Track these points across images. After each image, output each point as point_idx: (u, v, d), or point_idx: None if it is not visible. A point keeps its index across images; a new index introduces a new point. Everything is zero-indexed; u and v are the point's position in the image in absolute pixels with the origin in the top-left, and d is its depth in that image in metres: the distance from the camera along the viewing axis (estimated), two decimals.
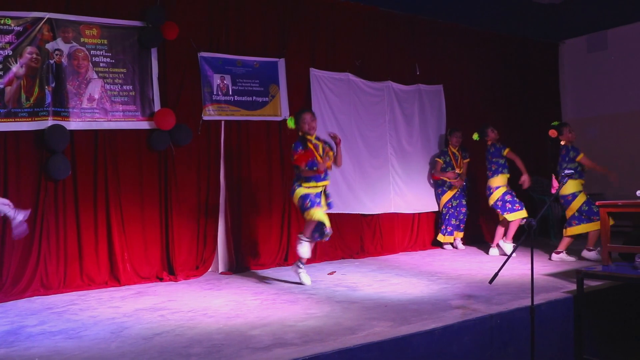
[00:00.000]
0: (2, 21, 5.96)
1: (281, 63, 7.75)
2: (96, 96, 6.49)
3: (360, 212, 8.22)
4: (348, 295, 5.54)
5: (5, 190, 5.93)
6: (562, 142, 7.52)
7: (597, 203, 6.57)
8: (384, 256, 8.30)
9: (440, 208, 8.95)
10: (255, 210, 7.45)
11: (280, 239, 7.64)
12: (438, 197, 9.02)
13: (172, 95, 6.93)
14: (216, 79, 7.25)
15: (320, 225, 5.99)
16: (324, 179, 6.10)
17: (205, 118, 7.14)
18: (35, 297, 5.88)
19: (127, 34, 6.69)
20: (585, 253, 7.31)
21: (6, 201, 4.60)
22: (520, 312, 4.71)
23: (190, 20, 7.07)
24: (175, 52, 6.97)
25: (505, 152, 8.02)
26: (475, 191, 9.24)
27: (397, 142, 8.85)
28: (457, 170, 8.82)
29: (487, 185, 8.14)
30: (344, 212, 8.04)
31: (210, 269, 7.16)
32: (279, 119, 7.68)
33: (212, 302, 5.48)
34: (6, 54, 5.96)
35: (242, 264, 7.26)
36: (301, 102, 7.86)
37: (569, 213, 7.38)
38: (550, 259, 7.43)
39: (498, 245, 8.13)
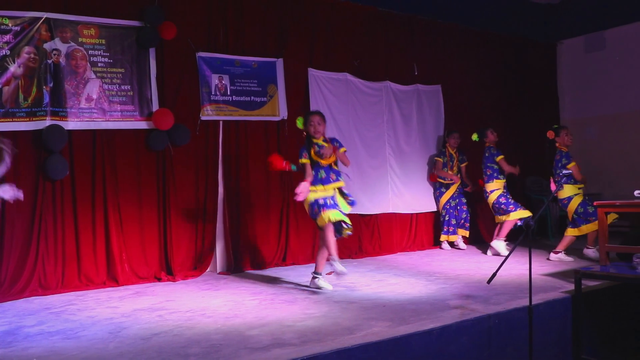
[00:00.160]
0: (0, 21, 5.95)
1: (279, 63, 7.74)
2: (94, 96, 6.48)
3: (359, 212, 8.22)
4: (346, 295, 5.54)
5: None
6: (557, 145, 7.53)
7: (595, 203, 6.58)
8: (382, 256, 8.30)
9: (440, 209, 8.95)
10: (253, 210, 7.45)
11: (278, 239, 7.64)
12: (437, 199, 9.02)
13: (170, 95, 6.93)
14: (214, 79, 7.25)
15: (336, 224, 5.71)
16: (334, 181, 5.83)
17: (203, 118, 7.13)
18: (33, 298, 5.87)
19: (125, 34, 6.68)
20: (586, 251, 7.38)
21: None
22: (518, 312, 4.71)
23: (188, 20, 7.07)
24: (174, 52, 6.97)
25: (498, 159, 8.06)
26: (474, 191, 9.23)
27: (396, 142, 8.85)
28: (451, 172, 8.82)
29: (484, 189, 8.19)
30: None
31: (208, 269, 7.15)
32: (277, 119, 7.68)
33: (210, 302, 5.47)
34: (4, 53, 5.96)
35: (241, 264, 7.26)
36: (299, 102, 7.87)
37: (568, 215, 7.43)
38: (548, 258, 7.44)
39: (491, 245, 8.15)
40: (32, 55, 6.11)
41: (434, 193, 9.09)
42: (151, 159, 6.83)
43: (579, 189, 7.37)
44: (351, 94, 8.37)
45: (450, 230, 8.83)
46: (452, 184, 8.83)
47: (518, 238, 5.12)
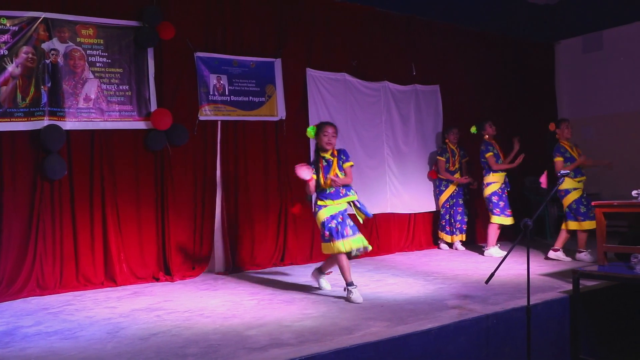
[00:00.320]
0: None
1: (278, 63, 7.74)
2: (92, 96, 6.48)
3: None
4: (344, 295, 5.53)
5: (1, 191, 5.93)
6: (557, 137, 7.54)
7: (593, 203, 6.58)
8: (380, 256, 8.30)
9: (440, 207, 8.95)
10: (251, 210, 7.44)
11: (276, 239, 7.64)
12: (436, 197, 9.02)
13: (168, 95, 6.93)
14: (212, 79, 7.25)
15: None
16: (344, 196, 5.46)
17: (201, 118, 7.13)
18: (31, 298, 5.86)
19: (124, 34, 6.68)
20: (578, 255, 7.34)
21: None
22: (516, 312, 4.72)
23: (186, 20, 7.06)
24: (172, 52, 6.96)
25: (487, 155, 8.07)
26: (472, 191, 9.22)
27: (394, 143, 8.85)
28: (453, 167, 8.80)
29: (482, 181, 8.23)
30: None
31: (206, 270, 7.14)
32: (275, 119, 7.68)
33: (208, 302, 5.47)
34: (2, 53, 5.95)
35: (239, 264, 7.26)
36: (298, 103, 7.87)
37: (563, 207, 7.48)
38: (547, 256, 7.45)
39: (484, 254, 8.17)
40: (30, 55, 6.10)
41: (434, 191, 9.08)
42: (149, 159, 6.83)
43: (579, 182, 7.37)
44: (349, 94, 8.37)
45: (447, 229, 8.82)
46: (452, 182, 8.80)
47: (516, 238, 5.13)
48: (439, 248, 8.97)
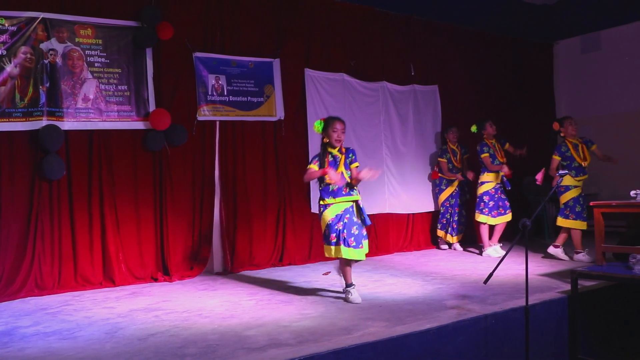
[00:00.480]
0: None
1: (276, 63, 7.74)
2: (91, 96, 6.47)
3: None
4: (343, 296, 5.53)
5: None
6: (562, 135, 7.55)
7: (591, 203, 6.59)
8: (378, 256, 8.30)
9: (439, 207, 8.92)
10: (250, 210, 7.44)
11: (275, 239, 7.64)
12: (436, 196, 9.00)
13: (166, 95, 6.92)
14: (211, 79, 7.25)
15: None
16: (346, 195, 5.33)
17: (200, 118, 7.13)
18: (29, 298, 5.86)
19: (122, 34, 6.68)
20: (575, 256, 7.34)
21: None
22: (514, 312, 4.72)
23: (185, 20, 7.06)
24: (170, 52, 6.96)
25: (482, 156, 8.13)
26: (472, 191, 9.20)
27: (392, 143, 8.85)
28: (458, 166, 8.79)
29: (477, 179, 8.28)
30: None
31: (205, 270, 7.14)
32: (274, 119, 7.68)
33: (207, 302, 5.47)
34: (0, 53, 5.94)
35: (237, 264, 7.26)
36: (296, 103, 7.87)
37: (560, 205, 7.51)
38: (547, 251, 7.44)
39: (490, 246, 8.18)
40: (29, 56, 6.10)
41: (434, 190, 9.06)
42: (148, 159, 6.83)
43: (579, 181, 7.37)
44: (348, 94, 8.37)
45: (448, 229, 8.81)
46: (453, 181, 8.78)
47: (514, 238, 5.13)
48: (438, 248, 8.96)
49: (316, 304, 5.24)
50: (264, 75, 7.65)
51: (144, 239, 6.75)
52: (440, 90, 9.49)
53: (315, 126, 5.45)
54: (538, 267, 6.85)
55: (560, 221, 7.39)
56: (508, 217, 8.13)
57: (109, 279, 6.46)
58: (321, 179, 5.37)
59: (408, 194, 8.94)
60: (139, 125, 6.75)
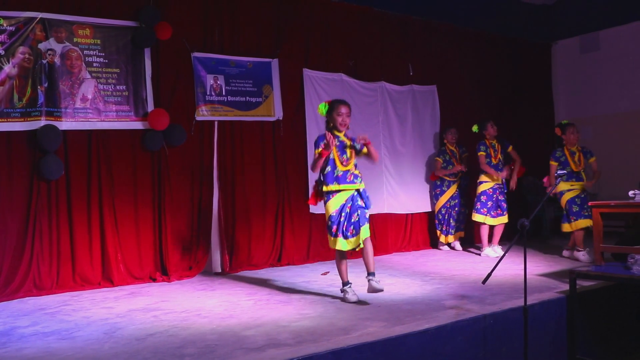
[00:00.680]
0: None
1: (275, 63, 7.74)
2: (89, 96, 6.47)
3: None
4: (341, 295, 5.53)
5: None
6: (563, 142, 7.57)
7: (589, 203, 6.61)
8: (377, 256, 8.23)
9: (439, 208, 8.87)
10: (248, 210, 7.44)
11: (273, 239, 7.64)
12: (436, 197, 8.93)
13: (165, 95, 6.92)
14: (209, 80, 7.25)
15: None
16: (351, 182, 5.27)
17: (198, 118, 7.12)
18: (27, 298, 5.85)
19: (121, 34, 6.67)
20: (575, 254, 7.37)
21: None
22: (513, 312, 4.72)
23: (183, 20, 7.06)
24: (169, 52, 6.96)
25: (478, 154, 8.13)
26: (470, 191, 9.21)
27: (391, 143, 8.85)
28: (456, 165, 8.79)
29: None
30: None
31: (203, 270, 7.14)
32: (272, 119, 7.68)
33: (205, 302, 5.47)
34: None
35: (236, 264, 7.26)
36: (295, 103, 7.87)
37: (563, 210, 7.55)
38: (575, 257, 7.41)
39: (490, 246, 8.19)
40: (27, 56, 6.09)
41: (434, 190, 9.00)
42: (146, 159, 6.82)
43: (572, 185, 7.38)
44: (346, 95, 8.34)
45: (448, 230, 8.81)
46: (453, 182, 8.78)
47: (513, 238, 5.12)
48: (438, 249, 8.95)
49: (315, 304, 5.24)
50: (263, 76, 7.64)
51: (143, 239, 6.74)
52: (439, 91, 9.49)
53: (320, 109, 5.37)
54: (537, 267, 6.86)
55: (566, 227, 7.40)
56: (504, 219, 8.12)
57: (108, 279, 6.46)
58: (325, 163, 5.25)
59: (406, 194, 8.94)
60: (138, 125, 6.74)
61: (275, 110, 7.70)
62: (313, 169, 5.36)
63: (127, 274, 6.57)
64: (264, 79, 7.65)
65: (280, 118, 7.72)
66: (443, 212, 8.83)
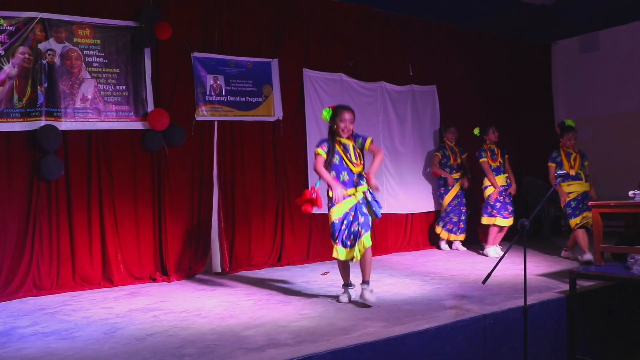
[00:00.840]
0: None
1: (274, 63, 7.74)
2: (89, 96, 6.47)
3: None
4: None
5: None
6: (561, 145, 7.56)
7: (589, 203, 6.61)
8: (377, 256, 8.26)
9: (445, 207, 8.82)
10: (248, 210, 7.44)
11: (273, 239, 7.64)
12: (441, 197, 8.89)
13: (165, 95, 6.92)
14: (209, 80, 7.25)
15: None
16: (357, 185, 5.17)
17: (198, 118, 7.12)
18: (27, 298, 5.86)
19: (121, 34, 6.67)
20: (582, 257, 7.32)
21: None
22: (513, 312, 4.72)
23: (183, 20, 7.06)
24: (169, 52, 6.96)
25: (480, 160, 8.16)
26: (471, 191, 9.20)
27: (390, 143, 8.85)
28: (454, 165, 8.77)
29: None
30: None
31: (203, 270, 7.13)
32: (272, 119, 7.68)
33: (205, 302, 5.47)
34: None
35: (236, 264, 7.26)
36: (295, 103, 7.87)
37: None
38: (583, 260, 7.35)
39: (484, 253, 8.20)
40: (27, 56, 6.09)
41: (438, 190, 8.98)
42: (146, 160, 6.82)
43: (569, 185, 7.38)
44: (346, 95, 8.36)
45: (449, 227, 8.78)
46: (456, 180, 8.77)
47: (513, 238, 5.12)
48: (438, 248, 8.95)
49: (315, 304, 5.24)
50: (263, 76, 7.64)
51: (143, 239, 6.74)
52: (439, 91, 9.49)
53: (324, 114, 5.29)
54: (536, 267, 6.86)
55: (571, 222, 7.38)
56: (511, 221, 8.11)
57: (108, 279, 6.46)
58: (330, 169, 5.16)
59: (406, 194, 8.94)
60: (138, 125, 6.74)
61: (275, 110, 7.70)
62: (315, 169, 5.23)
63: (127, 274, 6.57)
64: (264, 79, 7.65)
65: (280, 118, 7.72)
66: (448, 210, 8.79)
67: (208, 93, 7.22)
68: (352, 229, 5.14)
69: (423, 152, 9.24)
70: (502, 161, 8.21)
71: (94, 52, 6.52)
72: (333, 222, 5.16)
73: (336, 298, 5.38)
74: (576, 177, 7.38)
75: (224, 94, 7.33)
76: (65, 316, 5.04)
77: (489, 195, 8.08)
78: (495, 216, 8.04)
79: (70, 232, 6.32)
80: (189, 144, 7.02)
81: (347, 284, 5.35)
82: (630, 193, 5.99)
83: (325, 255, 7.84)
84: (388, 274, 6.81)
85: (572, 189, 7.32)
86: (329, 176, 5.12)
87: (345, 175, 5.16)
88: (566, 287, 5.30)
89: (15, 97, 6.02)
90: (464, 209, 8.78)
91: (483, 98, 10.05)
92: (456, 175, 8.78)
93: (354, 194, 5.19)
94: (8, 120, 5.96)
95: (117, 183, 6.61)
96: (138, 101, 6.76)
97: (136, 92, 6.75)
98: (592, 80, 10.79)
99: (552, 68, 11.46)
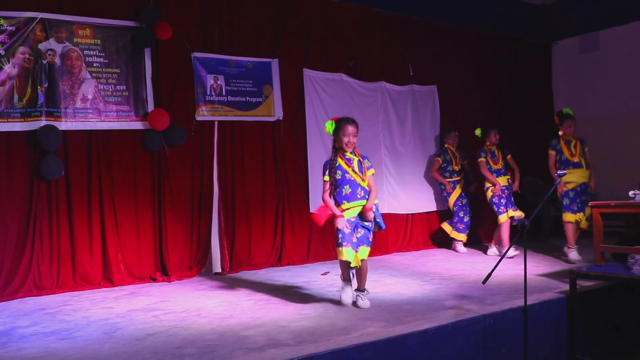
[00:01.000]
0: None
1: (275, 63, 7.74)
2: (89, 96, 6.47)
3: None
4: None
5: None
6: (560, 132, 7.55)
7: (590, 204, 6.61)
8: (377, 256, 8.28)
9: (451, 207, 8.79)
10: (248, 210, 7.44)
11: (273, 239, 7.64)
12: (445, 198, 8.88)
13: (165, 95, 6.92)
14: (209, 80, 7.25)
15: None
16: (361, 198, 5.08)
17: (198, 118, 7.12)
18: (28, 298, 5.86)
19: (121, 34, 6.67)
20: (565, 250, 7.33)
21: None
22: (513, 312, 4.72)
23: (183, 20, 7.06)
24: (169, 52, 6.96)
25: (479, 160, 8.17)
26: (474, 196, 9.19)
27: (391, 143, 8.85)
28: (456, 169, 8.77)
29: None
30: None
31: (203, 270, 7.14)
32: (272, 119, 7.68)
33: (205, 302, 5.47)
34: None
35: (236, 264, 7.26)
36: (295, 103, 7.87)
37: None
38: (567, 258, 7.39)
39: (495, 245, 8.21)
40: (27, 56, 6.09)
41: (442, 193, 8.96)
42: (147, 160, 6.82)
43: (568, 175, 7.37)
44: (346, 94, 8.37)
45: (461, 227, 8.72)
46: (457, 182, 8.76)
47: (513, 238, 5.12)
48: (455, 251, 8.75)
49: (315, 304, 5.24)
50: (263, 76, 7.64)
51: (143, 239, 6.74)
52: (439, 91, 9.49)
53: (327, 127, 5.18)
54: (537, 267, 6.86)
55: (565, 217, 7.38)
56: (520, 212, 8.08)
57: (108, 279, 6.46)
58: (334, 185, 5.12)
59: (407, 194, 8.94)
60: (138, 125, 6.74)
61: (275, 110, 7.70)
62: (323, 199, 5.21)
63: (127, 274, 6.57)
64: (264, 79, 7.65)
65: (280, 118, 7.72)
66: (455, 209, 8.76)
67: (208, 93, 7.22)
68: (357, 236, 5.07)
69: (423, 152, 9.24)
70: (503, 163, 8.21)
71: (94, 52, 6.52)
72: (337, 227, 5.06)
73: (336, 298, 5.35)
74: (577, 165, 7.33)
75: (224, 94, 7.33)
76: (65, 316, 5.04)
77: (492, 196, 8.06)
78: (506, 211, 8.01)
79: (71, 232, 6.32)
80: (189, 144, 7.02)
81: (346, 280, 5.25)
82: (631, 193, 6.00)
83: (325, 255, 7.85)
84: (388, 274, 6.80)
85: (570, 179, 7.28)
86: (334, 207, 5.11)
87: (348, 188, 5.07)
88: (566, 287, 5.30)
89: (16, 97, 6.02)
90: (467, 209, 8.77)
91: (483, 98, 10.05)
92: (456, 178, 8.78)
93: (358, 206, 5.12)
94: (8, 120, 5.97)
95: (118, 183, 6.61)
96: (138, 101, 6.76)
97: (136, 92, 6.75)
98: (592, 80, 10.80)
99: (552, 68, 11.47)
